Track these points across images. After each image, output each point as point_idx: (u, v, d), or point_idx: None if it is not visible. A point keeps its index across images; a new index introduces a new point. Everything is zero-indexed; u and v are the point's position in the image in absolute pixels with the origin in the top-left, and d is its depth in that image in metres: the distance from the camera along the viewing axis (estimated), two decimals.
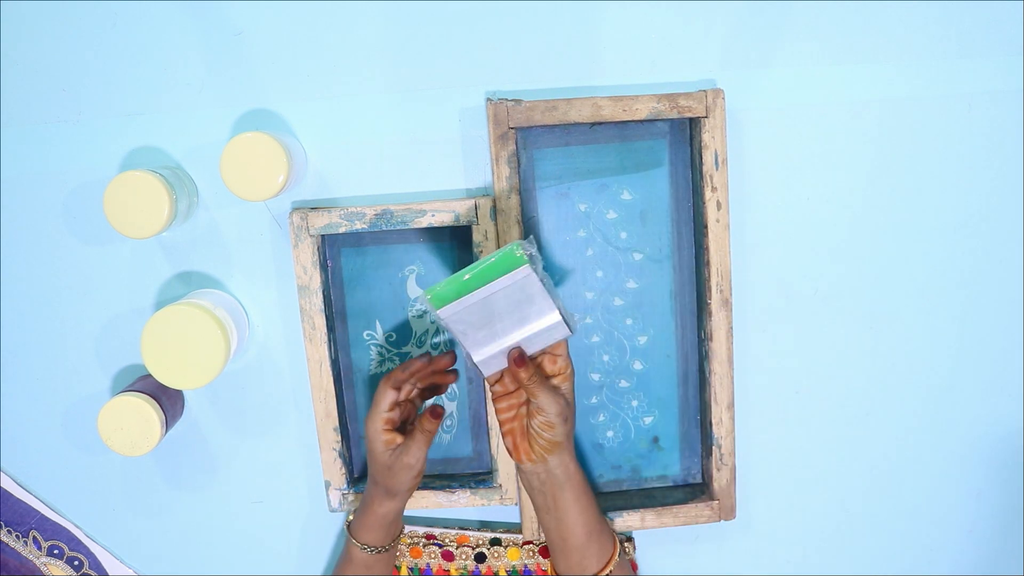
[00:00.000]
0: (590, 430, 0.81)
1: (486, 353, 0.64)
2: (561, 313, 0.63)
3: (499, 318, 0.63)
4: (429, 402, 0.74)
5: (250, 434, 0.80)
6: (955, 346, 0.81)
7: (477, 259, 0.73)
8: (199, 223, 0.76)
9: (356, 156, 0.75)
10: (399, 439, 0.69)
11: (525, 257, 0.60)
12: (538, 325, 0.63)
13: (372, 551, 0.72)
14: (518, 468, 0.69)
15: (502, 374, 0.66)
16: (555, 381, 0.66)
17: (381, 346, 0.79)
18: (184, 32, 0.73)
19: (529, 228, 0.76)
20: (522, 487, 0.77)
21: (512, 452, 0.68)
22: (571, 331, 0.64)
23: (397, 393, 0.69)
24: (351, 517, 0.75)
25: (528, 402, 0.66)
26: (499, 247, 0.73)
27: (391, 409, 0.69)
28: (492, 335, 0.64)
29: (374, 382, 0.79)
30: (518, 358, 0.64)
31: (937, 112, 0.76)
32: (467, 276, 0.62)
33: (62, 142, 0.74)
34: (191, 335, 0.69)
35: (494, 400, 0.68)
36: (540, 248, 0.75)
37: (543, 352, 0.66)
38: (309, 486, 0.81)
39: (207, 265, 0.77)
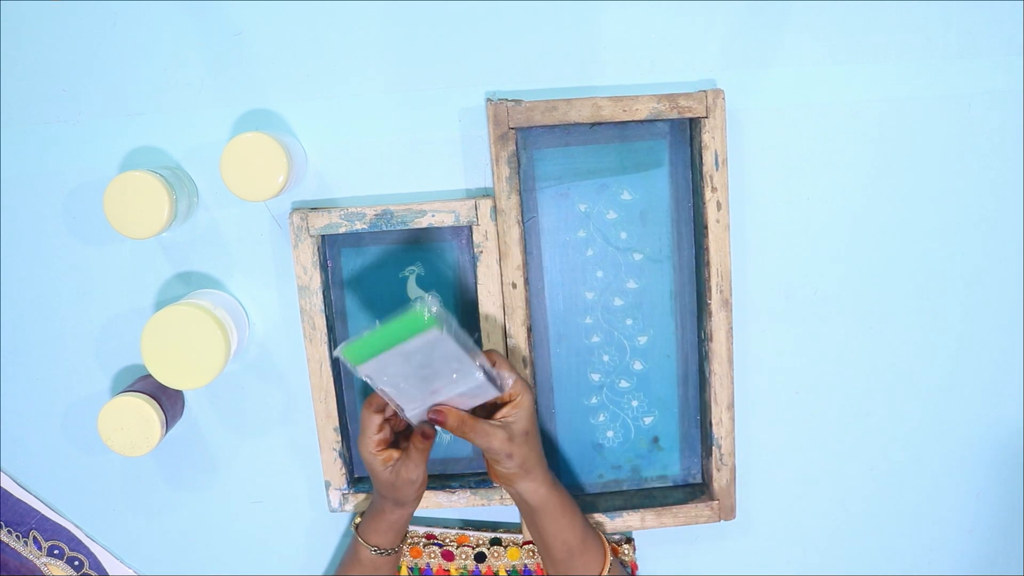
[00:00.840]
0: (590, 430, 0.81)
1: (417, 408, 0.64)
2: (485, 371, 0.62)
3: (425, 373, 0.61)
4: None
5: (250, 434, 0.80)
6: (955, 346, 0.81)
7: (478, 259, 0.74)
8: (199, 223, 0.76)
9: (356, 156, 0.75)
10: (395, 454, 0.67)
11: (433, 318, 0.57)
12: (465, 383, 0.62)
13: (381, 553, 0.72)
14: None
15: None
16: (505, 410, 0.66)
17: None
18: (184, 32, 0.73)
19: (529, 228, 0.76)
20: None
21: (488, 473, 0.70)
22: (499, 390, 0.64)
23: (381, 414, 0.67)
24: (358, 519, 0.74)
25: None
26: (499, 247, 0.73)
27: (379, 430, 0.67)
28: (419, 390, 0.63)
29: None
30: (435, 417, 0.64)
31: (937, 112, 0.76)
32: (378, 334, 0.59)
33: (62, 142, 0.74)
34: (191, 335, 0.69)
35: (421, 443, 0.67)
36: (540, 255, 0.75)
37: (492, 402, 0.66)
38: (309, 486, 0.81)
39: (207, 265, 0.77)
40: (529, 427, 0.66)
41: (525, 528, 0.78)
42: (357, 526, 0.74)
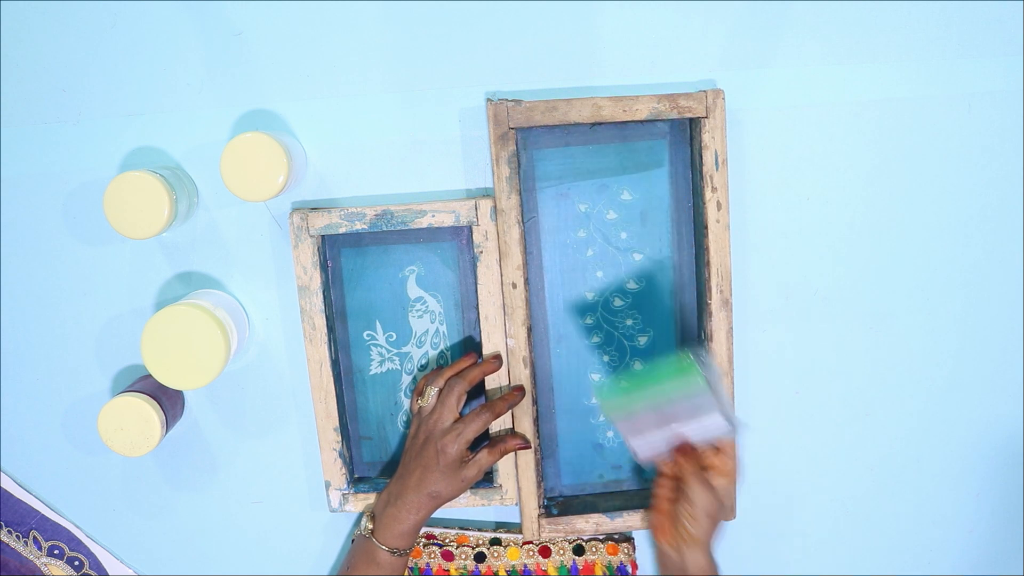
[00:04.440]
0: (590, 430, 0.81)
1: (645, 442, 0.69)
2: (724, 414, 0.67)
3: (668, 415, 0.67)
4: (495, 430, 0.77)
5: (250, 434, 0.80)
6: (955, 346, 0.81)
7: (478, 259, 0.74)
8: (199, 223, 0.76)
9: (356, 156, 0.75)
10: (469, 452, 0.72)
11: (699, 369, 0.64)
12: (700, 421, 0.67)
13: (401, 554, 0.72)
14: (655, 544, 0.73)
15: (671, 456, 0.70)
16: (714, 475, 0.70)
17: (381, 346, 0.79)
18: (184, 32, 0.73)
19: (529, 228, 0.76)
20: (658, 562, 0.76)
21: (653, 528, 0.72)
22: (732, 433, 0.68)
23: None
24: (370, 524, 0.73)
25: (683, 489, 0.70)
26: (499, 247, 0.73)
27: (476, 433, 0.72)
28: (657, 429, 0.68)
29: (374, 382, 0.79)
30: (682, 446, 0.69)
31: (937, 112, 0.76)
32: (640, 377, 0.67)
33: (62, 142, 0.74)
34: (191, 335, 0.69)
35: (657, 475, 0.72)
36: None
37: (713, 446, 0.70)
38: (309, 486, 0.81)
39: (207, 265, 0.77)
40: (730, 501, 0.71)
41: (527, 526, 0.78)
42: (372, 531, 0.73)
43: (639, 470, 0.82)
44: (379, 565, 0.72)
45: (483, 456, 0.72)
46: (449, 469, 0.71)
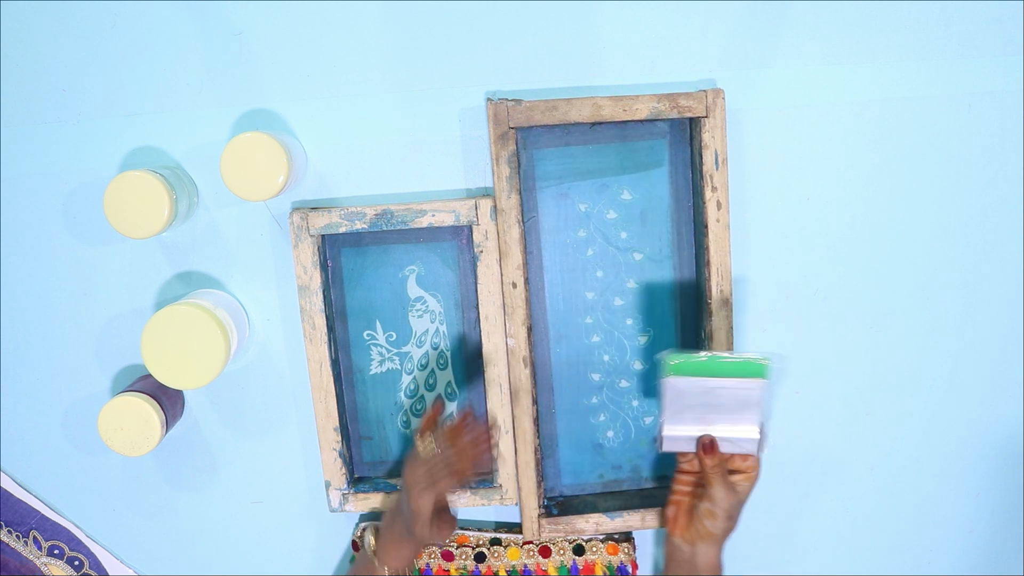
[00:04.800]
0: (590, 430, 0.81)
1: (676, 432, 0.70)
2: (761, 431, 0.68)
3: (710, 409, 0.68)
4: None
5: (250, 434, 0.80)
6: (955, 346, 0.81)
7: (478, 259, 0.74)
8: (199, 223, 0.76)
9: (356, 156, 0.75)
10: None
11: (768, 372, 0.64)
12: (737, 431, 0.68)
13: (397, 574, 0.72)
14: (667, 538, 0.73)
15: (692, 455, 0.71)
16: (737, 478, 0.70)
17: (381, 346, 0.79)
18: (184, 32, 0.73)
19: (529, 228, 0.76)
20: (666, 561, 0.76)
21: (668, 522, 0.73)
22: (758, 450, 0.69)
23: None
24: (375, 544, 0.73)
25: (704, 485, 0.71)
26: (499, 247, 0.73)
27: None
28: (693, 420, 0.69)
29: (374, 382, 0.79)
30: (708, 444, 0.69)
31: (937, 112, 0.76)
32: (711, 361, 0.67)
33: (62, 142, 0.74)
34: (191, 335, 0.69)
35: (677, 471, 0.73)
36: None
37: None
38: (309, 486, 0.81)
39: (207, 265, 0.77)
40: (746, 500, 0.71)
41: (527, 526, 0.78)
42: (375, 551, 0.73)
43: (639, 470, 0.82)
44: None
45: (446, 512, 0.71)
46: (426, 527, 0.69)
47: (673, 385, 0.67)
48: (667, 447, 0.71)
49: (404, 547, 0.71)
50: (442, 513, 0.70)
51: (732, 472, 0.70)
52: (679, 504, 0.73)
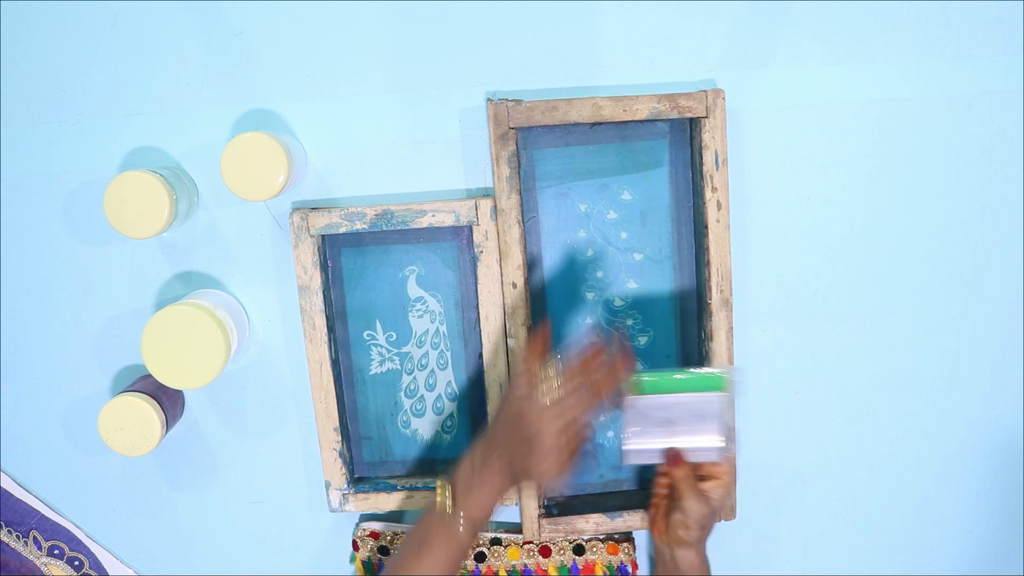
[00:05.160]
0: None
1: (638, 446, 0.70)
2: (726, 440, 0.68)
3: (670, 423, 0.68)
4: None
5: (250, 434, 0.80)
6: (955, 346, 0.81)
7: (478, 259, 0.74)
8: (199, 223, 0.76)
9: (356, 156, 0.75)
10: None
11: (726, 385, 0.64)
12: (699, 442, 0.68)
13: (476, 530, 0.66)
14: (651, 539, 0.75)
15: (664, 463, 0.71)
16: (710, 484, 0.70)
17: (381, 346, 0.79)
18: (184, 32, 0.73)
19: (529, 228, 0.76)
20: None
21: (649, 524, 0.74)
22: (723, 457, 0.69)
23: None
24: (448, 500, 0.66)
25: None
26: (500, 247, 0.73)
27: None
28: (655, 434, 0.69)
29: (374, 382, 0.79)
30: (674, 456, 0.69)
31: (937, 112, 0.76)
32: (670, 378, 0.67)
33: (62, 142, 0.74)
34: (191, 335, 0.69)
35: (656, 473, 0.74)
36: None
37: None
38: (309, 486, 0.81)
39: (207, 265, 0.77)
40: (721, 508, 0.71)
41: (527, 526, 0.78)
42: (454, 506, 0.65)
43: (639, 470, 0.82)
44: (460, 544, 0.65)
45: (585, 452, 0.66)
46: (552, 454, 0.63)
47: (631, 404, 0.68)
48: (631, 460, 0.71)
49: (490, 490, 0.65)
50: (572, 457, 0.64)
51: (705, 479, 0.70)
52: (657, 507, 0.74)
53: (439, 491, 0.67)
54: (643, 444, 0.70)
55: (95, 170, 0.75)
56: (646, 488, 0.82)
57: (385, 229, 0.73)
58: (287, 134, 0.74)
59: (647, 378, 0.68)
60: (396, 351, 0.79)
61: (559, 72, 0.74)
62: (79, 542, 0.82)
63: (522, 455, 0.64)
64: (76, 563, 0.82)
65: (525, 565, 0.80)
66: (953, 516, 0.85)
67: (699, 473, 0.71)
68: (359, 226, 0.73)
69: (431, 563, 0.65)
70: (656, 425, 0.70)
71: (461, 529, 0.65)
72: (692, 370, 0.67)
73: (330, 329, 0.76)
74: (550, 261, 0.77)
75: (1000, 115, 0.77)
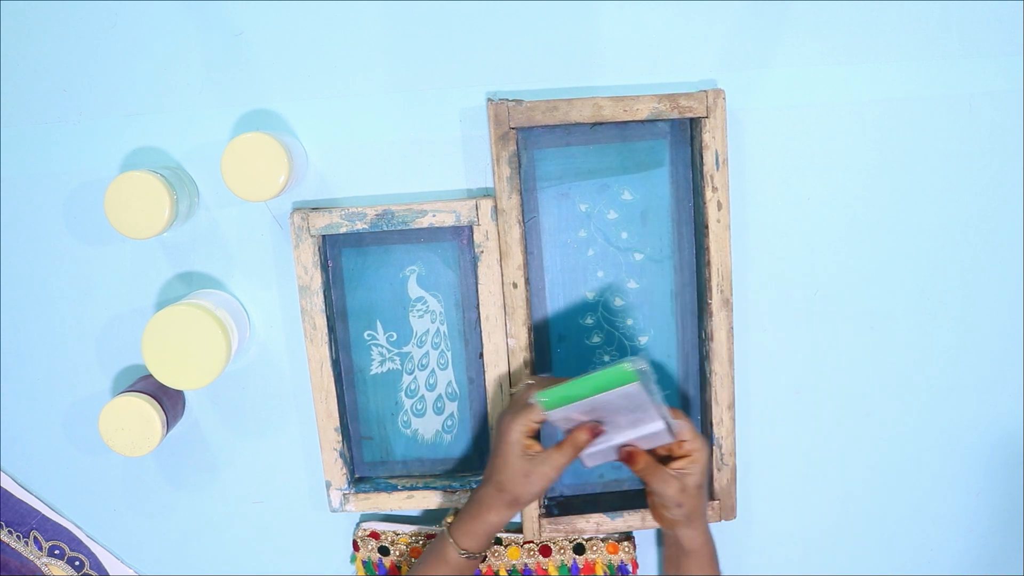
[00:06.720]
0: None
1: (590, 449, 0.68)
2: (666, 421, 0.67)
3: (607, 422, 0.67)
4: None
5: (251, 434, 0.80)
6: (955, 346, 0.81)
7: (478, 259, 0.74)
8: (200, 223, 0.76)
9: (357, 156, 0.75)
10: (538, 447, 0.67)
11: (636, 375, 0.62)
12: (643, 430, 0.67)
13: (470, 557, 0.70)
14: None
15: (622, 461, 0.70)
16: (682, 463, 0.69)
17: (382, 346, 0.79)
18: (184, 32, 0.73)
19: (530, 228, 0.76)
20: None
21: (650, 510, 0.74)
22: (672, 438, 0.68)
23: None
24: (450, 518, 0.72)
25: None
26: (500, 247, 0.73)
27: (539, 420, 0.67)
28: (601, 435, 0.68)
29: (375, 382, 0.79)
30: (626, 456, 0.69)
31: (937, 112, 0.76)
32: (578, 384, 0.64)
33: (62, 142, 0.74)
34: (192, 335, 0.69)
35: (631, 467, 0.72)
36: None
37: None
38: (309, 486, 0.81)
39: (208, 265, 0.77)
40: (701, 481, 0.70)
41: (527, 526, 0.78)
42: (449, 525, 0.71)
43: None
44: (448, 564, 0.70)
45: (552, 451, 0.67)
46: (517, 463, 0.67)
47: (555, 418, 0.66)
48: (590, 463, 0.70)
49: (480, 522, 0.69)
50: (553, 454, 0.67)
51: (674, 459, 0.69)
52: (649, 493, 0.73)
53: (450, 515, 0.73)
54: (593, 446, 0.68)
55: (96, 170, 0.75)
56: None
57: (386, 229, 0.73)
58: (287, 134, 0.74)
59: (555, 391, 0.65)
60: (397, 351, 0.79)
61: (559, 72, 0.74)
62: (79, 542, 0.82)
63: (495, 469, 0.68)
64: (77, 563, 0.82)
65: (525, 564, 0.80)
66: (953, 516, 0.85)
67: (666, 455, 0.70)
68: (360, 226, 0.73)
69: None
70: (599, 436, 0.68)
71: (454, 555, 0.70)
72: (595, 371, 0.64)
73: (331, 329, 0.76)
74: (550, 261, 0.77)
75: (1000, 115, 0.77)
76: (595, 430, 0.67)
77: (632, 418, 0.66)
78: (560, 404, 0.65)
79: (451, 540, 0.70)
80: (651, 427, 0.67)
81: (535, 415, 0.66)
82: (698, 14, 0.74)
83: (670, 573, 0.75)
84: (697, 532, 0.71)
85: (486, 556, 0.73)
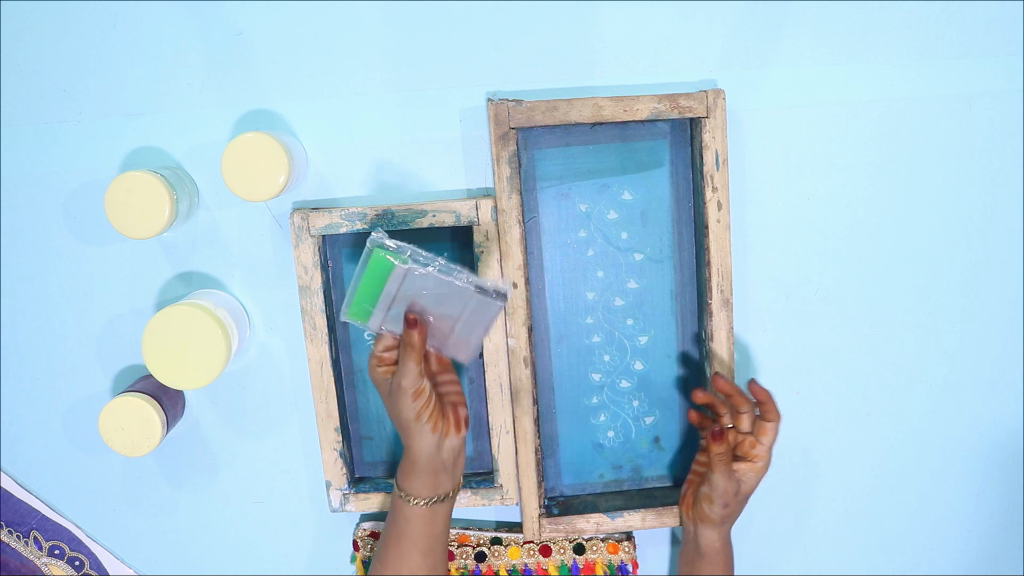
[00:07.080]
0: (591, 430, 0.81)
1: (439, 341, 0.66)
2: (479, 287, 0.62)
3: (426, 310, 0.64)
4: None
5: (251, 434, 0.80)
6: (955, 346, 0.81)
7: (478, 259, 0.74)
8: (200, 223, 0.76)
9: (357, 156, 0.75)
10: (392, 371, 0.66)
11: (394, 255, 0.59)
12: (461, 304, 0.64)
13: (426, 503, 0.67)
14: (680, 513, 0.77)
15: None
16: (744, 466, 0.71)
17: None
18: (184, 32, 0.73)
19: (530, 228, 0.76)
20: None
21: (680, 498, 0.76)
22: (503, 299, 0.64)
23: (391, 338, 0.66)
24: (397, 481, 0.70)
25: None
26: (500, 247, 0.73)
27: (388, 349, 0.66)
28: (436, 324, 0.65)
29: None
30: (717, 432, 0.69)
31: (937, 112, 0.76)
32: (362, 288, 0.63)
33: (62, 142, 0.74)
34: (192, 335, 0.69)
35: (699, 450, 0.76)
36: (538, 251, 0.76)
37: (754, 433, 0.71)
38: (309, 486, 0.81)
39: (208, 265, 0.77)
40: (752, 491, 0.72)
41: (527, 526, 0.78)
42: (397, 484, 0.69)
43: (639, 470, 0.82)
44: (406, 519, 0.68)
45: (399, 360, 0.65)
46: (382, 390, 0.67)
47: (378, 328, 0.65)
48: (461, 357, 0.66)
49: (406, 459, 0.68)
50: (392, 377, 0.66)
51: (740, 460, 0.71)
52: (691, 483, 0.75)
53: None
54: (441, 338, 0.65)
55: (96, 170, 0.75)
56: (646, 488, 0.82)
57: (386, 229, 0.73)
58: (287, 134, 0.74)
59: (347, 312, 0.63)
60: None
61: (559, 72, 0.74)
62: (79, 542, 0.82)
63: (391, 414, 0.67)
64: (77, 563, 0.82)
65: (525, 564, 0.80)
66: (953, 516, 0.85)
67: (736, 453, 0.72)
68: (360, 226, 0.73)
69: (396, 545, 0.69)
70: (398, 308, 0.64)
71: (399, 503, 0.68)
72: (356, 271, 0.62)
73: (331, 329, 0.76)
74: (550, 261, 0.77)
75: (1000, 115, 0.77)
76: (413, 318, 0.64)
77: (437, 295, 0.62)
78: (361, 312, 0.64)
79: (399, 493, 0.68)
80: (463, 298, 0.63)
81: (380, 347, 0.66)
82: (698, 14, 0.74)
83: (684, 574, 0.76)
84: (720, 540, 0.73)
85: (448, 496, 0.69)
